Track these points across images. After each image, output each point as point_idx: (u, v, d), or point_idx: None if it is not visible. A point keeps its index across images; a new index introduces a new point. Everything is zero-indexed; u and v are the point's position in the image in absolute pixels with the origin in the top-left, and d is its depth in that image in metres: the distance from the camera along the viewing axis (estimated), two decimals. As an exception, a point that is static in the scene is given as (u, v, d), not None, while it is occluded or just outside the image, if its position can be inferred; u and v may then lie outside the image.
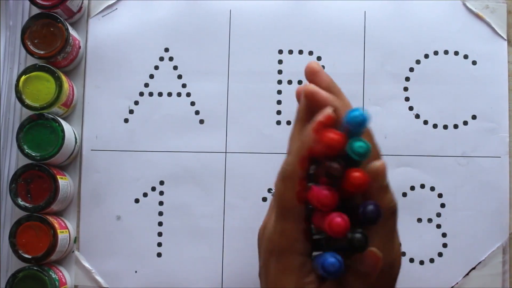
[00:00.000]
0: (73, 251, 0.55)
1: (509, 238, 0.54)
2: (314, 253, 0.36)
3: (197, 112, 0.56)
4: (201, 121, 0.56)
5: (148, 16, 0.57)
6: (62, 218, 0.55)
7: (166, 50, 0.57)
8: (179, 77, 0.57)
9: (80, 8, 0.56)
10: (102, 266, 0.55)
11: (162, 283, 0.55)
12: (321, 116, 0.34)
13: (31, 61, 0.55)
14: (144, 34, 0.57)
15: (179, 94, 0.57)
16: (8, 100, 0.56)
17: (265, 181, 0.55)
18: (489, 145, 0.55)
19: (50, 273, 0.52)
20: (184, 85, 0.57)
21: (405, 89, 0.56)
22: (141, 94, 0.57)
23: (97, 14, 0.57)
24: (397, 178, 0.55)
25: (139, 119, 0.56)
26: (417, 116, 0.56)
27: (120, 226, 0.55)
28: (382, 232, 0.34)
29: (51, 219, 0.53)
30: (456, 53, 0.56)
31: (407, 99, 0.56)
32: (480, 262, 0.54)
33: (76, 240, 0.55)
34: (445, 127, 0.56)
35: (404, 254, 0.55)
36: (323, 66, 0.56)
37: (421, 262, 0.55)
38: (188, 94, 0.57)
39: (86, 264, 0.55)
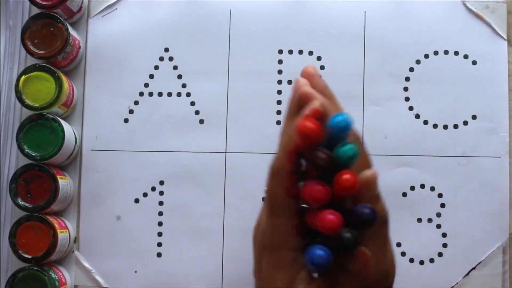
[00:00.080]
0: (73, 251, 0.55)
1: (509, 238, 0.54)
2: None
3: (197, 112, 0.56)
4: (201, 121, 0.56)
5: (148, 16, 0.57)
6: (62, 218, 0.55)
7: (166, 50, 0.57)
8: (179, 77, 0.57)
9: (80, 8, 0.56)
10: (102, 266, 0.55)
11: (162, 283, 0.55)
12: (307, 109, 0.34)
13: (31, 61, 0.55)
14: (144, 34, 0.57)
15: (179, 94, 0.57)
16: (8, 100, 0.56)
17: (265, 181, 0.55)
18: (489, 145, 0.55)
19: (50, 273, 0.52)
20: (184, 85, 0.57)
21: (405, 89, 0.56)
22: (141, 94, 0.57)
23: (97, 14, 0.57)
24: (397, 178, 0.55)
25: (139, 119, 0.56)
26: (417, 116, 0.56)
27: (120, 226, 0.55)
28: (374, 241, 0.34)
29: (51, 219, 0.53)
30: (456, 53, 0.56)
31: (407, 99, 0.56)
32: (480, 262, 0.54)
33: (76, 240, 0.55)
34: (445, 127, 0.56)
35: (404, 254, 0.55)
36: (323, 66, 0.56)
37: (421, 262, 0.55)
38: (188, 94, 0.57)
39: (86, 264, 0.55)
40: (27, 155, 0.53)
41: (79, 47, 0.56)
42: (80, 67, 0.57)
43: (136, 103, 0.57)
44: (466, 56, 0.56)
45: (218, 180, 0.55)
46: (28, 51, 0.53)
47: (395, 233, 0.55)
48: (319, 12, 0.57)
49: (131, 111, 0.57)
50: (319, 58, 0.56)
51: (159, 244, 0.55)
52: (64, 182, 0.54)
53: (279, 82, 0.56)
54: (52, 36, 0.54)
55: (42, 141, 0.53)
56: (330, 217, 0.30)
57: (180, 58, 0.57)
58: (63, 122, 0.54)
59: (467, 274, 0.54)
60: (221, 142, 0.56)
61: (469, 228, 0.55)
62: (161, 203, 0.56)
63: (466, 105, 0.56)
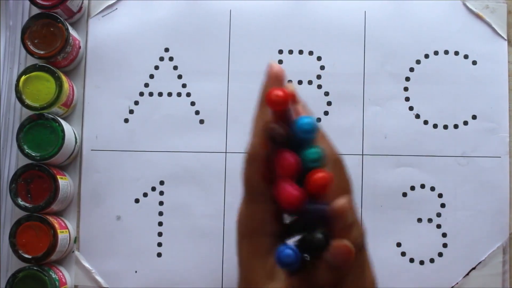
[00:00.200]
0: (73, 251, 0.55)
1: (509, 238, 0.54)
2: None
3: (197, 112, 0.56)
4: (201, 121, 0.56)
5: (148, 16, 0.57)
6: (62, 218, 0.55)
7: (166, 50, 0.57)
8: (179, 77, 0.57)
9: (80, 8, 0.56)
10: (102, 266, 0.55)
11: (162, 283, 0.55)
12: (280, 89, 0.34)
13: (31, 61, 0.55)
14: (144, 34, 0.57)
15: (179, 94, 0.57)
16: (8, 100, 0.56)
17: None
18: (489, 145, 0.55)
19: (50, 273, 0.52)
20: (184, 85, 0.57)
21: (405, 89, 0.56)
22: (141, 94, 0.57)
23: (97, 14, 0.57)
24: (397, 178, 0.55)
25: (139, 119, 0.56)
26: (417, 116, 0.56)
27: (120, 226, 0.55)
28: (352, 270, 0.34)
29: (51, 219, 0.53)
30: (456, 53, 0.56)
31: (407, 99, 0.56)
32: (480, 262, 0.54)
33: (76, 240, 0.55)
34: (445, 127, 0.56)
35: (404, 254, 0.55)
36: (323, 66, 0.56)
37: (421, 262, 0.55)
38: (188, 94, 0.57)
39: (86, 264, 0.55)
40: (27, 155, 0.53)
41: (79, 47, 0.56)
42: (80, 67, 0.57)
43: (136, 103, 0.57)
44: (466, 56, 0.56)
45: (218, 180, 0.55)
46: (28, 51, 0.53)
47: (395, 233, 0.55)
48: (319, 12, 0.57)
49: (131, 111, 0.57)
50: (319, 58, 0.56)
51: (159, 244, 0.55)
52: (64, 182, 0.54)
53: (279, 82, 0.56)
54: (52, 36, 0.54)
55: (42, 141, 0.53)
56: (290, 189, 0.30)
57: (180, 58, 0.57)
58: (63, 122, 0.54)
59: (467, 274, 0.54)
60: (221, 142, 0.56)
61: (469, 228, 0.55)
62: (161, 203, 0.56)
63: (466, 105, 0.56)
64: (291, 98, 0.33)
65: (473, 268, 0.54)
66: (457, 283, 0.54)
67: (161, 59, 0.57)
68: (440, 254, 0.55)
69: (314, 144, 0.32)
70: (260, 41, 0.57)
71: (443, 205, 0.55)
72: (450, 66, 0.56)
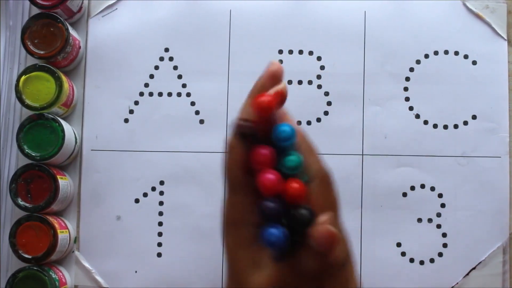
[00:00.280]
0: (73, 251, 0.55)
1: (509, 238, 0.54)
2: None
3: (197, 112, 0.56)
4: (201, 121, 0.56)
5: (148, 16, 0.57)
6: (62, 218, 0.55)
7: (166, 50, 0.57)
8: (179, 77, 0.57)
9: (80, 8, 0.56)
10: (102, 266, 0.55)
11: (162, 283, 0.55)
12: (273, 89, 0.34)
13: (31, 61, 0.55)
14: (144, 34, 0.57)
15: (179, 94, 0.57)
16: (8, 100, 0.56)
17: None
18: (489, 145, 0.55)
19: (50, 273, 0.52)
20: (184, 85, 0.57)
21: (405, 89, 0.56)
22: (141, 94, 0.57)
23: (97, 14, 0.57)
24: (397, 178, 0.55)
25: (139, 119, 0.56)
26: (417, 116, 0.56)
27: (120, 226, 0.55)
28: (336, 285, 0.34)
29: (51, 219, 0.53)
30: (456, 53, 0.56)
31: (407, 99, 0.56)
32: (480, 262, 0.54)
33: (76, 240, 0.55)
34: (445, 127, 0.56)
35: (404, 254, 0.55)
36: (323, 66, 0.56)
37: (421, 262, 0.55)
38: (188, 94, 0.57)
39: (86, 264, 0.55)
40: (27, 155, 0.53)
41: (79, 47, 0.56)
42: (80, 67, 0.57)
43: (136, 103, 0.57)
44: (466, 56, 0.56)
45: (218, 180, 0.55)
46: (28, 51, 0.53)
47: (395, 233, 0.55)
48: (319, 12, 0.57)
49: (131, 111, 0.57)
50: (319, 58, 0.56)
51: (159, 244, 0.55)
52: (64, 182, 0.54)
53: (279, 82, 0.56)
54: (52, 36, 0.54)
55: (42, 141, 0.53)
56: (269, 175, 0.30)
57: (180, 58, 0.57)
58: (63, 122, 0.54)
59: (467, 274, 0.54)
60: (221, 142, 0.56)
61: (469, 228, 0.55)
62: (161, 203, 0.56)
63: (466, 105, 0.56)
64: (278, 102, 0.33)
65: (473, 268, 0.54)
66: (457, 283, 0.54)
67: (161, 59, 0.57)
68: (440, 254, 0.55)
69: (293, 151, 0.32)
70: (260, 41, 0.57)
71: (443, 205, 0.55)
72: (450, 66, 0.56)
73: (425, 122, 0.56)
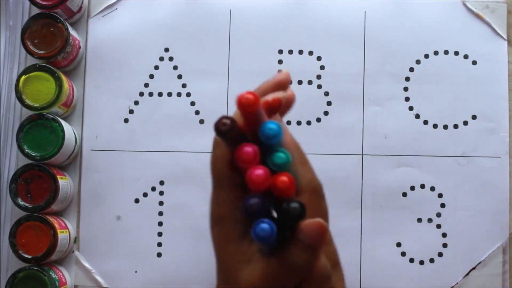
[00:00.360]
0: (73, 251, 0.55)
1: (509, 238, 0.54)
2: None
3: (197, 112, 0.56)
4: (201, 121, 0.56)
5: (148, 16, 0.57)
6: (62, 218, 0.55)
7: (166, 50, 0.57)
8: (179, 77, 0.57)
9: (80, 8, 0.56)
10: (102, 266, 0.55)
11: (162, 283, 0.55)
12: (271, 95, 0.34)
13: (31, 61, 0.55)
14: (144, 34, 0.57)
15: (179, 94, 0.57)
16: (8, 100, 0.56)
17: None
18: (489, 145, 0.55)
19: (50, 273, 0.52)
20: (184, 85, 0.57)
21: (405, 89, 0.56)
22: (141, 94, 0.57)
23: (97, 14, 0.57)
24: (397, 178, 0.55)
25: (139, 119, 0.56)
26: (417, 116, 0.56)
27: (120, 226, 0.55)
28: None
29: (51, 219, 0.53)
30: (456, 53, 0.56)
31: (407, 99, 0.56)
32: (480, 262, 0.54)
33: (76, 240, 0.55)
34: (445, 127, 0.56)
35: (404, 254, 0.55)
36: (323, 66, 0.56)
37: (421, 262, 0.55)
38: (188, 94, 0.57)
39: (86, 264, 0.55)
40: (27, 155, 0.53)
41: (79, 47, 0.56)
42: (80, 67, 0.57)
43: (136, 103, 0.57)
44: (466, 56, 0.56)
45: (218, 180, 0.55)
46: (28, 51, 0.53)
47: (395, 233, 0.55)
48: (319, 12, 0.57)
49: (131, 111, 0.57)
50: (319, 58, 0.56)
51: (159, 244, 0.55)
52: (64, 182, 0.54)
53: (279, 82, 0.56)
54: (52, 36, 0.54)
55: (42, 141, 0.53)
56: (258, 171, 0.30)
57: (180, 58, 0.57)
58: (63, 122, 0.54)
59: (467, 274, 0.54)
60: (221, 142, 0.56)
61: (469, 228, 0.55)
62: (161, 203, 0.56)
63: (466, 105, 0.56)
64: (271, 105, 0.33)
65: (473, 268, 0.54)
66: (457, 283, 0.54)
67: (161, 59, 0.57)
68: (440, 254, 0.55)
69: (281, 149, 0.32)
70: (260, 41, 0.57)
71: (443, 205, 0.55)
72: (450, 66, 0.56)
73: (425, 122, 0.56)
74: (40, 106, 0.53)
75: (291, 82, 0.36)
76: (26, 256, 0.52)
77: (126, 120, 0.56)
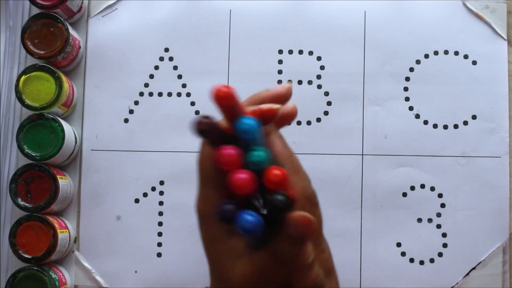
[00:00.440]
0: (73, 251, 0.55)
1: (509, 238, 0.54)
2: None
3: (197, 112, 0.56)
4: (201, 121, 0.56)
5: (148, 16, 0.57)
6: (62, 218, 0.55)
7: (166, 50, 0.57)
8: (179, 77, 0.57)
9: (80, 8, 0.56)
10: (102, 266, 0.55)
11: (162, 283, 0.55)
12: (266, 105, 0.33)
13: (31, 61, 0.55)
14: (144, 34, 0.57)
15: (179, 94, 0.57)
16: (8, 100, 0.56)
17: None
18: (489, 145, 0.55)
19: (50, 273, 0.52)
20: (184, 85, 0.57)
21: (405, 89, 0.56)
22: (141, 94, 0.57)
23: (97, 14, 0.57)
24: (397, 178, 0.55)
25: (139, 119, 0.56)
26: (417, 116, 0.56)
27: (120, 226, 0.55)
28: None
29: (51, 219, 0.53)
30: (456, 53, 0.56)
31: (407, 99, 0.56)
32: (480, 262, 0.54)
33: (76, 240, 0.55)
34: (445, 127, 0.56)
35: (404, 254, 0.55)
36: (323, 66, 0.56)
37: (421, 262, 0.55)
38: (188, 94, 0.57)
39: (86, 264, 0.55)
40: (27, 155, 0.53)
41: (79, 47, 0.56)
42: (80, 67, 0.57)
43: (136, 103, 0.57)
44: (466, 56, 0.56)
45: (218, 180, 0.55)
46: (28, 51, 0.53)
47: (395, 233, 0.55)
48: (319, 12, 0.57)
49: (131, 111, 0.57)
50: (319, 58, 0.56)
51: (159, 244, 0.55)
52: (64, 182, 0.54)
53: (279, 82, 0.56)
54: (52, 36, 0.54)
55: (42, 141, 0.53)
56: (241, 175, 0.30)
57: (180, 58, 0.57)
58: (63, 122, 0.54)
59: (467, 274, 0.54)
60: (221, 142, 0.56)
61: (469, 228, 0.55)
62: (161, 203, 0.56)
63: (466, 105, 0.56)
64: (266, 116, 0.33)
65: (473, 268, 0.54)
66: (457, 283, 0.54)
67: (161, 59, 0.57)
68: (440, 254, 0.55)
69: (259, 147, 0.31)
70: (260, 41, 0.57)
71: (443, 205, 0.55)
72: (450, 66, 0.56)
73: (425, 122, 0.56)
74: (40, 106, 0.53)
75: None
76: (26, 256, 0.52)
77: (126, 120, 0.56)
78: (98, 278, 0.55)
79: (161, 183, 0.56)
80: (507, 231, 0.55)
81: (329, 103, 0.56)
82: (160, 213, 0.56)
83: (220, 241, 0.34)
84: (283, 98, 0.35)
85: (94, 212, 0.56)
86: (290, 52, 0.57)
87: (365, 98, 0.56)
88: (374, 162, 0.55)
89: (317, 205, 0.35)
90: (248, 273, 0.33)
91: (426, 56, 0.56)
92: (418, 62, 0.56)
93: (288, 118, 0.36)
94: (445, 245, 0.55)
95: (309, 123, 0.56)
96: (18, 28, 0.57)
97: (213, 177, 0.34)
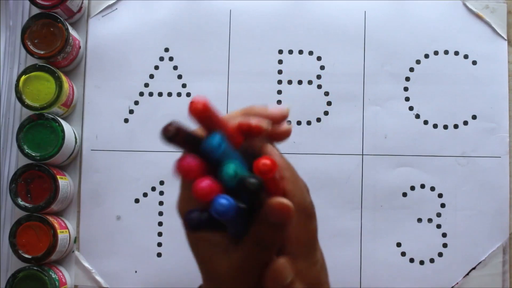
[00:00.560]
0: (73, 251, 0.55)
1: (509, 238, 0.54)
2: None
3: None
4: (201, 121, 0.56)
5: (148, 16, 0.57)
6: (62, 218, 0.55)
7: (166, 50, 0.57)
8: (179, 77, 0.57)
9: (80, 8, 0.56)
10: (102, 266, 0.55)
11: (162, 283, 0.55)
12: (255, 120, 0.34)
13: (31, 61, 0.55)
14: (144, 34, 0.57)
15: (179, 94, 0.57)
16: (8, 100, 0.56)
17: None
18: (489, 145, 0.55)
19: (50, 273, 0.52)
20: (184, 85, 0.57)
21: (405, 89, 0.56)
22: (141, 94, 0.57)
23: (97, 14, 0.57)
24: (397, 178, 0.55)
25: (139, 119, 0.56)
26: (417, 116, 0.56)
27: (120, 226, 0.55)
28: None
29: (51, 219, 0.53)
30: (456, 53, 0.56)
31: (407, 99, 0.56)
32: (480, 262, 0.54)
33: (76, 240, 0.56)
34: (445, 127, 0.56)
35: (404, 254, 0.55)
36: (323, 66, 0.56)
37: (421, 262, 0.55)
38: (188, 94, 0.57)
39: (86, 264, 0.55)
40: (27, 155, 0.53)
41: (79, 47, 0.56)
42: (80, 67, 0.57)
43: (136, 103, 0.57)
44: (466, 56, 0.56)
45: (218, 180, 0.55)
46: (28, 51, 0.53)
47: (395, 233, 0.55)
48: (319, 12, 0.57)
49: (131, 111, 0.57)
50: (319, 58, 0.56)
51: (159, 244, 0.55)
52: (64, 182, 0.54)
53: (279, 82, 0.56)
54: (52, 36, 0.54)
55: (42, 141, 0.53)
56: (202, 184, 0.30)
57: (180, 58, 0.57)
58: (63, 122, 0.54)
59: (467, 274, 0.54)
60: (221, 142, 0.56)
61: (469, 228, 0.55)
62: (161, 203, 0.56)
63: (466, 105, 0.56)
64: (243, 129, 0.33)
65: (473, 268, 0.54)
66: (457, 283, 0.54)
67: (161, 59, 0.57)
68: (440, 254, 0.55)
69: (231, 160, 0.32)
70: (260, 41, 0.57)
71: (443, 205, 0.55)
72: (450, 66, 0.56)
73: (425, 122, 0.56)
74: (40, 106, 0.53)
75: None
76: (26, 256, 0.52)
77: (126, 120, 0.56)
78: (98, 278, 0.55)
79: (161, 183, 0.56)
80: (507, 231, 0.55)
81: (329, 103, 0.56)
82: (160, 213, 0.56)
83: (203, 238, 0.34)
84: (277, 120, 0.35)
85: (94, 212, 0.56)
86: (290, 52, 0.57)
87: (365, 98, 0.56)
88: (374, 162, 0.55)
89: (313, 217, 0.35)
90: (235, 263, 0.33)
91: (426, 56, 0.56)
92: (418, 62, 0.56)
93: (280, 137, 0.36)
94: (445, 245, 0.55)
95: (309, 123, 0.56)
96: (18, 28, 0.57)
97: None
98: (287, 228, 0.33)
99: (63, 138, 0.53)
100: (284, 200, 0.31)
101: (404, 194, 0.55)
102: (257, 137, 0.34)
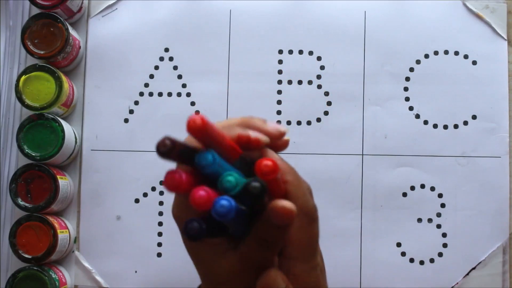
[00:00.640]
0: (73, 251, 0.55)
1: (509, 238, 0.54)
2: None
3: (197, 112, 0.56)
4: (201, 121, 0.56)
5: (148, 16, 0.57)
6: (62, 218, 0.55)
7: (166, 50, 0.57)
8: (179, 77, 0.57)
9: (80, 8, 0.56)
10: (102, 266, 0.55)
11: (162, 283, 0.55)
12: (253, 133, 0.34)
13: (31, 61, 0.55)
14: (144, 34, 0.57)
15: (179, 94, 0.57)
16: (8, 100, 0.56)
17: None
18: (489, 145, 0.55)
19: (50, 273, 0.52)
20: (184, 85, 0.57)
21: (405, 89, 0.56)
22: (141, 94, 0.57)
23: (97, 14, 0.57)
24: (397, 178, 0.55)
25: (139, 119, 0.56)
26: (417, 116, 0.56)
27: (120, 226, 0.55)
28: None
29: (51, 219, 0.53)
30: (456, 53, 0.56)
31: (407, 99, 0.56)
32: (480, 262, 0.54)
33: (76, 240, 0.56)
34: (445, 127, 0.56)
35: (404, 254, 0.55)
36: (323, 66, 0.56)
37: (421, 262, 0.55)
38: (188, 94, 0.57)
39: (86, 264, 0.55)
40: (27, 155, 0.53)
41: (79, 47, 0.56)
42: (80, 67, 0.57)
43: (136, 103, 0.57)
44: (466, 56, 0.56)
45: (218, 180, 0.55)
46: (28, 51, 0.53)
47: (395, 233, 0.55)
48: (319, 12, 0.57)
49: (131, 111, 0.57)
50: (319, 58, 0.56)
51: (159, 244, 0.55)
52: (64, 182, 0.54)
53: (279, 82, 0.56)
54: (52, 36, 0.54)
55: (42, 141, 0.53)
56: (200, 192, 0.30)
57: (180, 58, 0.57)
58: (63, 122, 0.54)
59: (467, 274, 0.54)
60: (221, 142, 0.56)
61: (469, 228, 0.55)
62: (161, 203, 0.56)
63: (466, 105, 0.56)
64: (237, 141, 0.33)
65: (473, 268, 0.54)
66: (457, 283, 0.54)
67: (161, 59, 0.57)
68: (440, 254, 0.55)
69: (229, 172, 0.32)
70: (260, 41, 0.57)
71: (443, 205, 0.55)
72: (450, 66, 0.56)
73: (425, 122, 0.56)
74: (40, 106, 0.53)
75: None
76: (26, 256, 0.52)
77: (126, 120, 0.56)
78: (98, 278, 0.55)
79: (161, 183, 0.56)
80: (507, 231, 0.55)
81: (329, 103, 0.56)
82: (160, 213, 0.56)
83: (198, 244, 0.34)
84: (274, 137, 0.35)
85: (94, 212, 0.56)
86: (290, 52, 0.57)
87: (365, 98, 0.56)
88: (374, 162, 0.55)
89: (316, 220, 0.35)
90: (235, 263, 0.33)
91: (426, 56, 0.56)
92: (418, 62, 0.56)
93: (276, 149, 0.36)
94: (445, 245, 0.55)
95: (309, 123, 0.56)
96: (18, 28, 0.57)
97: None
98: (289, 229, 0.33)
99: (63, 138, 0.53)
100: (287, 203, 0.31)
101: (404, 194, 0.55)
102: (253, 149, 0.34)
